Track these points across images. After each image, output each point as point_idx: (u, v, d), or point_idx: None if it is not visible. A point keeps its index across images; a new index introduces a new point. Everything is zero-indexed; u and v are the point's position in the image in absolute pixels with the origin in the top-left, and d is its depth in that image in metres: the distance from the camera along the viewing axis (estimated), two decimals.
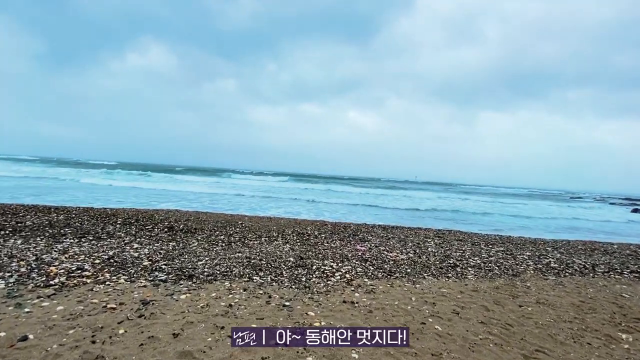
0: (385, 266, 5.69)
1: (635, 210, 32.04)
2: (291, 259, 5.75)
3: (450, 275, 5.47)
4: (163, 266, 5.03)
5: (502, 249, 8.04)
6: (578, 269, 6.51)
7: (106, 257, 5.43)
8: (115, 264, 5.05)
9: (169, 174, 42.59)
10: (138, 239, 7.19)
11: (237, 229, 8.65)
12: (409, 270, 5.53)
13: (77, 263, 5.04)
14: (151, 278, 4.44)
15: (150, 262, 5.21)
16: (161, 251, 6.11)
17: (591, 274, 6.22)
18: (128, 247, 6.38)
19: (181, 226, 8.62)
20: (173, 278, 4.46)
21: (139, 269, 4.85)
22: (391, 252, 6.76)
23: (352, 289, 4.39)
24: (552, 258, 7.31)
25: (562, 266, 6.67)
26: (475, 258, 6.78)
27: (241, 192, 22.44)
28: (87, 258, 5.35)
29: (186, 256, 5.78)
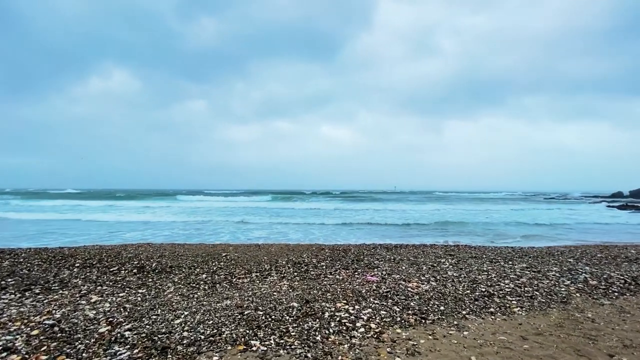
0: (412, 303, 4.61)
1: (609, 206, 33.05)
2: (294, 303, 4.57)
3: (492, 309, 4.46)
4: (127, 333, 3.73)
5: (524, 265, 7.16)
6: (622, 286, 5.67)
7: (50, 322, 4.08)
8: (59, 334, 3.72)
9: (140, 200, 40.19)
10: (99, 287, 5.83)
11: (222, 263, 7.37)
12: (442, 308, 4.47)
13: (7, 337, 3.68)
14: (107, 358, 3.16)
15: (109, 327, 3.90)
16: (127, 305, 4.79)
17: None
18: (84, 302, 5.03)
19: (154, 265, 7.26)
20: (139, 356, 3.19)
21: (92, 341, 3.54)
22: (409, 282, 5.70)
23: (388, 349, 3.27)
24: (584, 273, 6.47)
25: (602, 283, 5.83)
26: (506, 281, 5.83)
27: (219, 216, 20.92)
28: (23, 326, 3.98)
29: (159, 310, 4.50)
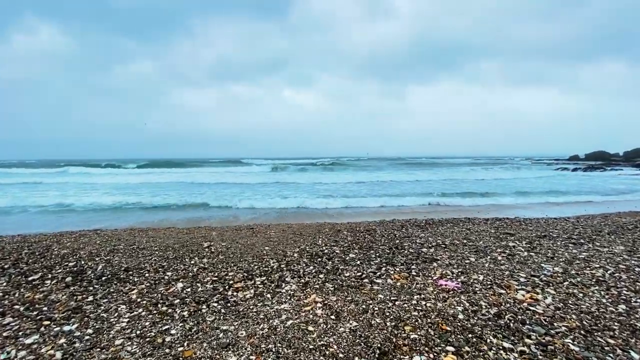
0: (573, 347, 2.55)
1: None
2: None
3: None
4: None
5: (621, 247, 5.34)
6: None
7: None
8: None
9: (84, 173, 36.01)
10: None
11: (205, 260, 5.03)
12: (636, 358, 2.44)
13: None
14: None
15: None
16: None
17: None
18: None
19: (100, 267, 4.81)
20: None
21: None
22: (508, 288, 3.66)
23: None
24: None
25: None
26: None
27: (187, 190, 18.16)
28: None
29: None
